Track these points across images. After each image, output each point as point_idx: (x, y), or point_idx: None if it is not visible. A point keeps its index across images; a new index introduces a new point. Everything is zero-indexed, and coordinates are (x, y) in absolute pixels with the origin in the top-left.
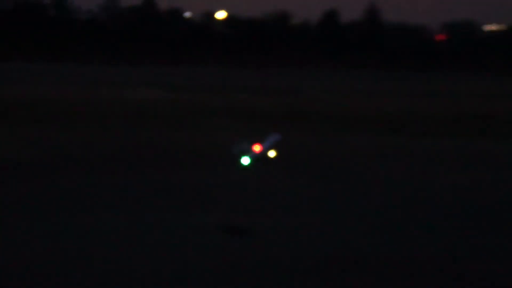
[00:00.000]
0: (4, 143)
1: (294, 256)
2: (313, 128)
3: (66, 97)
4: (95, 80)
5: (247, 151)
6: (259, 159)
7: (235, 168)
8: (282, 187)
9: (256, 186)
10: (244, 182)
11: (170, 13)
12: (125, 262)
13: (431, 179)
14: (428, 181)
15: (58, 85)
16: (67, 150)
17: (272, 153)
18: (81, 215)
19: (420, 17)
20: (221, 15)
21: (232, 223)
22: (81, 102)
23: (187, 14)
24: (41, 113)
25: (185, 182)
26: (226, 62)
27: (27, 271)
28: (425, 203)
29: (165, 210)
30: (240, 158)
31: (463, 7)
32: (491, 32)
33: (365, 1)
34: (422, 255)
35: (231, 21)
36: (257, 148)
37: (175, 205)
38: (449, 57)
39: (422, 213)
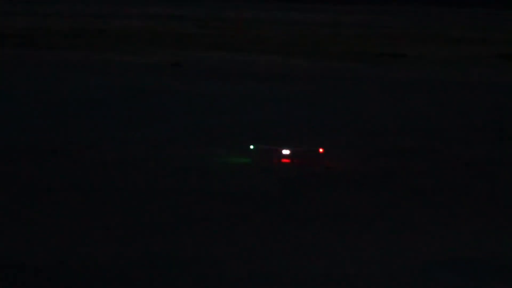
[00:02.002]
0: None
1: None
2: None
3: None
4: None
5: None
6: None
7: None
8: None
9: None
10: None
11: None
12: None
13: (61, 83)
14: (57, 83)
15: None
16: None
17: (286, 151)
18: None
19: None
20: None
21: None
22: None
23: None
24: None
25: None
26: None
27: None
28: (55, 96)
29: None
30: (250, 146)
31: None
32: None
33: None
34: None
35: None
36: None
37: None
38: None
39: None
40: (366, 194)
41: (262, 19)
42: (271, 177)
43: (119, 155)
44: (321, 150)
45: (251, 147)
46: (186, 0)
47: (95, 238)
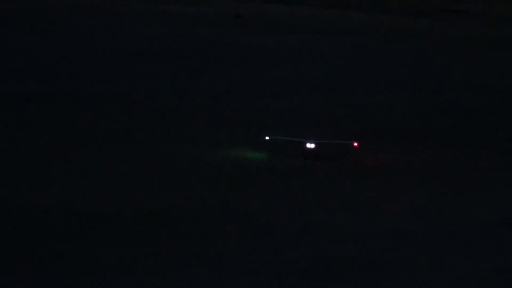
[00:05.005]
0: None
1: None
2: None
3: None
4: None
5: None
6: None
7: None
8: None
9: None
10: None
11: None
12: None
13: (121, 33)
14: (117, 33)
15: None
16: None
17: (311, 145)
18: None
19: None
20: None
21: None
22: None
23: None
24: None
25: None
26: None
27: None
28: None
29: None
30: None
31: None
32: None
33: None
34: None
35: None
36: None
37: None
38: None
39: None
40: (426, 150)
41: None
42: (326, 132)
43: (177, 106)
44: (355, 144)
45: (267, 138)
46: None
47: (151, 188)
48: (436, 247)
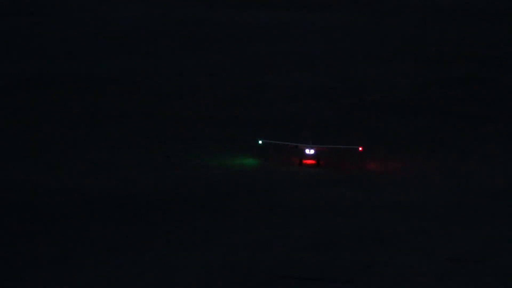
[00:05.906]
0: None
1: None
2: None
3: None
4: None
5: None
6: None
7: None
8: None
9: None
10: None
11: None
12: None
13: (111, 13)
14: (107, 13)
15: None
16: None
17: (311, 150)
18: None
19: None
20: None
21: None
22: None
23: None
24: None
25: None
26: None
27: None
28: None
29: None
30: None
31: None
32: None
33: None
34: None
35: None
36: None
37: None
38: None
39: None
40: (426, 122)
41: None
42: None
43: (173, 84)
44: (360, 148)
45: (259, 142)
46: None
47: (155, 167)
48: (442, 218)
